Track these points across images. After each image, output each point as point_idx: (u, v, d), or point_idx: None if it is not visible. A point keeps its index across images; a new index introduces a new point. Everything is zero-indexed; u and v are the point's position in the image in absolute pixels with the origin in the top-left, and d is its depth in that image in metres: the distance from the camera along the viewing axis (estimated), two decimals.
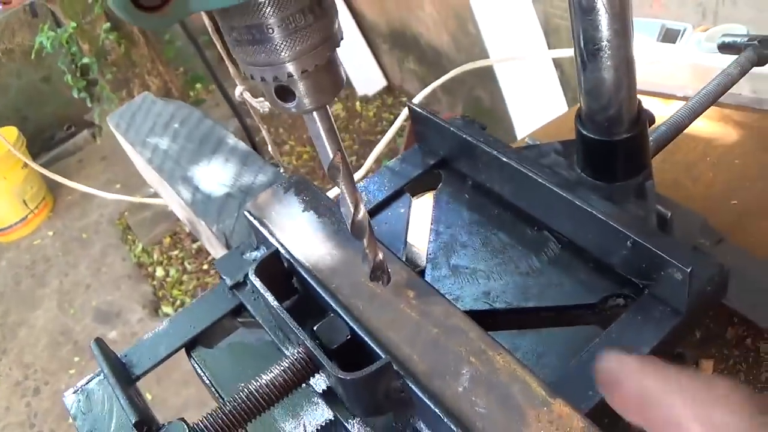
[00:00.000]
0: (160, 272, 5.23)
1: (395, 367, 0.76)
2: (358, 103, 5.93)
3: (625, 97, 1.03)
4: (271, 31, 0.59)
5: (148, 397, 4.44)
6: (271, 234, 0.96)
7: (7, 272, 5.55)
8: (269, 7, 0.58)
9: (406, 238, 1.07)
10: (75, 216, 5.88)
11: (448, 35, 4.96)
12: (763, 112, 1.68)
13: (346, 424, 0.83)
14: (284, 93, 0.65)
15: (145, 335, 1.03)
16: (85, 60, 4.27)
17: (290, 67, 0.62)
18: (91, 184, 6.11)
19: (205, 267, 5.20)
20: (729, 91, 1.34)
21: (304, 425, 0.88)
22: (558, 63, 4.11)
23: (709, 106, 1.33)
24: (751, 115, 1.73)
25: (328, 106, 0.69)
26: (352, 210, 0.77)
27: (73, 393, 1.02)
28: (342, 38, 0.65)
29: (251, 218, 0.99)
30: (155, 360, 0.99)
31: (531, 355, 0.89)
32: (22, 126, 5.84)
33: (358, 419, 0.83)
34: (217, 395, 0.96)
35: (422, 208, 1.14)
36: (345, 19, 5.69)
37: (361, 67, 5.84)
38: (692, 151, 1.68)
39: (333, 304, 0.84)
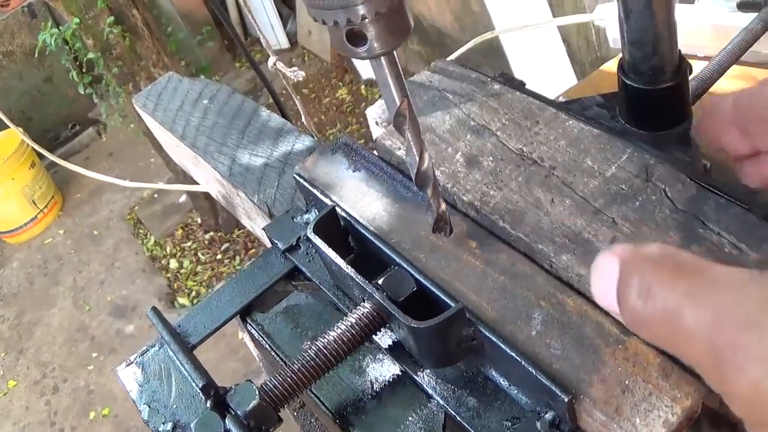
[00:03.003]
0: (173, 264, 5.24)
1: (467, 315, 0.76)
2: (363, 87, 5.92)
3: (668, 46, 1.03)
4: None
5: None
6: (324, 194, 0.96)
7: (20, 272, 5.56)
8: None
9: None
10: (85, 213, 5.89)
11: (451, 15, 4.94)
12: None
13: (415, 377, 0.83)
14: (355, 37, 0.65)
15: (196, 305, 1.03)
16: (91, 55, 4.25)
17: (364, 9, 0.61)
18: (98, 181, 6.13)
19: (219, 257, 5.21)
20: (750, 48, 1.34)
21: (371, 381, 0.88)
22: (564, 36, 4.10)
23: (735, 62, 1.33)
24: None
25: (395, 52, 0.69)
26: (417, 159, 0.77)
27: (127, 366, 1.01)
28: None
29: (302, 180, 0.99)
30: (211, 328, 0.99)
31: None
32: (26, 127, 5.82)
33: (428, 371, 0.83)
34: (277, 358, 0.96)
35: None
36: None
37: None
38: None
39: (396, 258, 0.83)
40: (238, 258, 5.12)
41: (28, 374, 4.82)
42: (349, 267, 0.82)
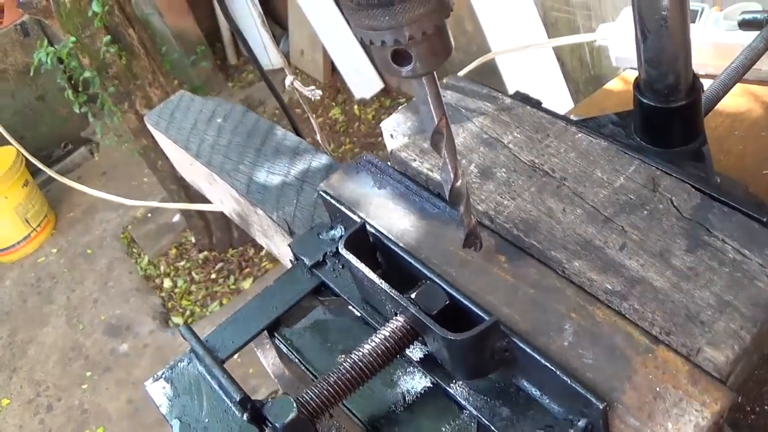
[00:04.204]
0: (167, 283, 5.23)
1: (502, 327, 0.78)
2: (356, 107, 5.95)
3: (683, 65, 1.07)
4: None
5: None
6: (352, 211, 0.98)
7: (13, 291, 5.53)
8: None
9: None
10: (78, 232, 5.87)
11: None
12: None
13: (447, 389, 0.85)
14: (400, 57, 0.67)
15: (222, 321, 1.04)
16: (87, 74, 4.25)
17: (410, 30, 0.64)
18: (93, 199, 6.13)
19: (213, 276, 5.20)
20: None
21: (402, 394, 0.90)
22: (559, 55, 4.15)
23: (740, 80, 1.37)
24: None
25: (435, 73, 0.72)
26: (452, 176, 0.79)
27: (155, 382, 1.02)
28: (453, 4, 0.67)
29: (328, 197, 1.01)
30: (239, 343, 1.00)
31: None
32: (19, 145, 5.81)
33: (460, 383, 0.85)
34: (307, 373, 0.97)
35: None
36: (338, 24, 5.72)
37: (357, 71, 5.87)
38: (720, 126, 1.71)
39: (428, 273, 0.86)
40: (232, 277, 5.12)
41: (22, 393, 4.79)
42: (383, 282, 0.84)
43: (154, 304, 5.11)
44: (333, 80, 6.22)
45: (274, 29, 6.88)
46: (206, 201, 1.67)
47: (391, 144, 1.06)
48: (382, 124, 1.08)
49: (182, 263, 5.36)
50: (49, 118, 6.55)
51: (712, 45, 1.79)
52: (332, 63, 6.09)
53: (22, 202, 5.67)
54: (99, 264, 5.51)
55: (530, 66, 4.04)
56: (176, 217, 5.60)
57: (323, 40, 5.69)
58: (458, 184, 0.80)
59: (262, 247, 5.25)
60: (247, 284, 5.02)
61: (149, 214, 5.78)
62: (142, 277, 5.34)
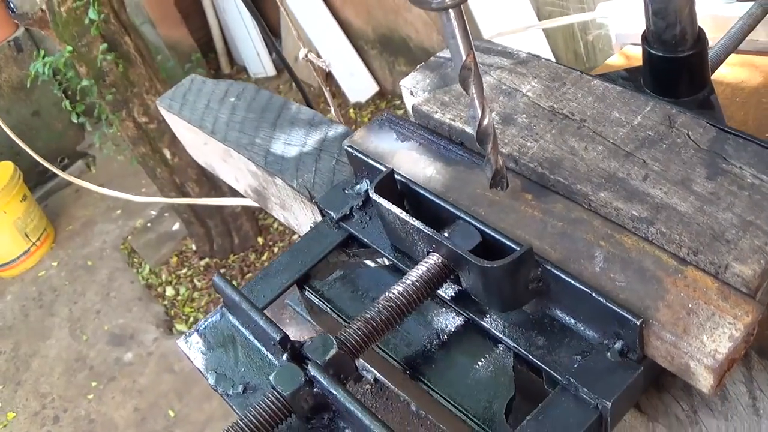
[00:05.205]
0: (170, 291, 5.24)
1: (535, 256, 0.81)
2: (351, 111, 5.99)
3: (688, 15, 1.10)
4: None
5: (171, 414, 4.45)
6: (379, 162, 1.00)
7: (14, 305, 5.53)
8: None
9: None
10: (78, 245, 5.87)
11: (437, 35, 5.03)
12: None
13: (482, 323, 0.87)
14: None
15: (255, 275, 1.06)
16: (84, 83, 4.27)
17: None
18: (90, 212, 6.15)
19: None
20: (747, 37, 1.42)
21: (436, 333, 0.92)
22: (554, 51, 4.20)
23: (740, 43, 1.41)
24: None
25: (462, 7, 0.74)
26: (480, 113, 0.82)
27: (188, 338, 1.03)
28: None
29: (354, 151, 1.03)
30: (271, 296, 1.02)
31: None
32: (16, 161, 5.83)
33: (494, 317, 0.87)
34: (339, 320, 0.99)
35: None
36: (331, 28, 5.76)
37: (352, 75, 5.91)
38: (721, 95, 1.74)
39: (458, 213, 0.88)
40: (234, 283, 5.13)
41: (27, 405, 4.78)
42: (416, 221, 0.87)
43: (157, 313, 5.12)
44: (328, 85, 6.26)
45: (267, 37, 6.91)
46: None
47: (412, 100, 1.08)
48: (402, 82, 1.11)
49: (184, 271, 5.38)
50: (45, 132, 6.56)
51: (710, 17, 1.83)
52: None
53: (21, 217, 5.68)
54: (100, 275, 5.52)
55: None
56: (176, 226, 5.62)
57: (317, 45, 5.72)
58: (485, 122, 0.82)
59: (263, 252, 5.28)
60: None
61: (149, 224, 5.79)
62: (143, 287, 5.35)
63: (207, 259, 5.37)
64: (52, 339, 5.17)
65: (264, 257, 5.25)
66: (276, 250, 5.23)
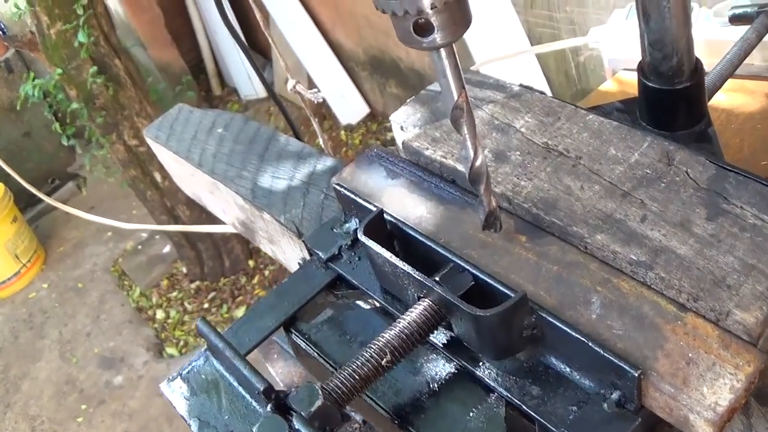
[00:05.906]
0: (160, 315, 5.19)
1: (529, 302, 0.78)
2: (342, 133, 5.97)
3: (685, 47, 1.08)
4: None
5: None
6: (368, 201, 0.97)
7: (4, 327, 5.47)
8: None
9: None
10: (68, 267, 5.82)
11: (429, 56, 5.01)
12: None
13: (475, 371, 0.84)
14: (421, 28, 0.67)
15: (239, 317, 1.03)
16: (74, 105, 4.24)
17: None
18: (81, 234, 6.09)
19: (206, 306, 5.17)
20: (743, 62, 1.40)
21: (427, 381, 0.89)
22: (545, 72, 4.19)
23: (735, 70, 1.39)
24: (765, 83, 1.79)
25: (454, 46, 0.72)
26: (473, 154, 0.79)
27: (170, 382, 1.00)
28: None
29: (342, 190, 1.00)
30: (256, 339, 0.99)
31: None
32: (6, 182, 5.78)
33: (487, 365, 0.84)
34: (326, 365, 0.96)
35: None
36: (322, 51, 5.74)
37: (342, 97, 5.89)
38: (716, 121, 1.72)
39: (450, 256, 0.85)
40: (225, 306, 5.08)
41: (17, 428, 4.71)
42: (406, 265, 0.84)
43: (148, 336, 5.07)
44: (318, 107, 6.24)
45: (257, 59, 6.90)
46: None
47: (402, 136, 1.05)
48: (392, 117, 1.08)
49: (174, 294, 5.33)
50: (35, 154, 6.52)
51: (704, 42, 1.81)
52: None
53: (11, 238, 5.62)
54: (90, 297, 5.46)
55: (516, 82, 4.06)
56: (167, 248, 5.57)
57: (307, 67, 5.71)
58: (478, 162, 0.79)
59: (254, 275, 5.24)
60: (240, 312, 4.99)
61: (139, 246, 5.74)
62: (134, 309, 5.29)
63: (198, 282, 5.32)
64: (42, 361, 5.10)
65: (255, 280, 5.21)
66: (267, 273, 5.18)
